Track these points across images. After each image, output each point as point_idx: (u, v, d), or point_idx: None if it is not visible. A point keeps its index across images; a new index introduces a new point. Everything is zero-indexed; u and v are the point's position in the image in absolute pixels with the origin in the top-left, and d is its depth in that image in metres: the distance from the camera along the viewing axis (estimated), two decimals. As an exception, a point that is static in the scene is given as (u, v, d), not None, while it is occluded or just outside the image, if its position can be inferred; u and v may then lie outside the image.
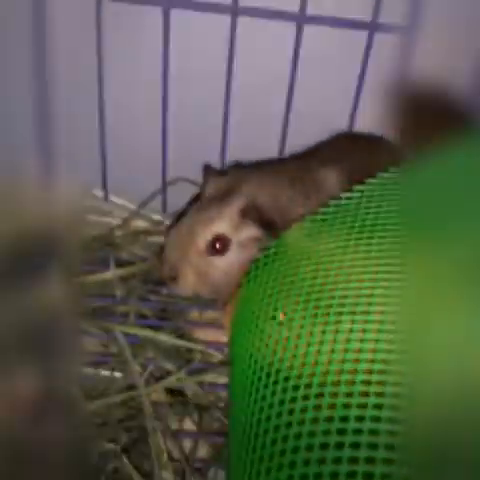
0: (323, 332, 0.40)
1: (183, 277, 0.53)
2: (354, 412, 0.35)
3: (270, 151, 0.69)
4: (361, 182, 0.49)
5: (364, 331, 0.39)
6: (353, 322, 0.40)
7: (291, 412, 0.37)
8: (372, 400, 0.35)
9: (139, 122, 0.69)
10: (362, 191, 0.48)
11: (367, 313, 0.40)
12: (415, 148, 0.50)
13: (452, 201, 0.46)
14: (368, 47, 0.62)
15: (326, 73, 0.65)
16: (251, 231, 0.52)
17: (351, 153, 0.59)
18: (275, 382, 0.40)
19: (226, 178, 0.55)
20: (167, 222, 0.73)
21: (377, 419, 0.34)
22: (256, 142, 0.66)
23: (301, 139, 0.66)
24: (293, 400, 0.37)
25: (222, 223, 0.52)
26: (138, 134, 0.70)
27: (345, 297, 0.41)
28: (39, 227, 0.51)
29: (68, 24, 0.61)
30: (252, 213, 0.52)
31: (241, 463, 0.39)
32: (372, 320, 0.39)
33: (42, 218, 0.52)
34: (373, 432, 0.34)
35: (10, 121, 0.65)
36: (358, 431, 0.34)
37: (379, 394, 0.35)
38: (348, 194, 0.48)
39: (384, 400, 0.35)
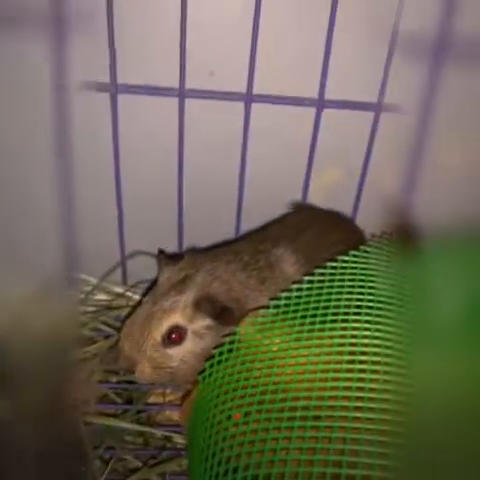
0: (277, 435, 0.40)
1: (139, 370, 0.52)
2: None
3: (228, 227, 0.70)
4: (318, 262, 0.50)
5: (317, 429, 0.40)
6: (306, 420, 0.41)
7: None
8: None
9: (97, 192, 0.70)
10: (312, 280, 0.49)
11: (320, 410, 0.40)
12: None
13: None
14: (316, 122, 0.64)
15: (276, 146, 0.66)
16: (206, 321, 0.52)
17: (305, 231, 0.60)
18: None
19: (180, 266, 0.55)
20: (129, 293, 0.73)
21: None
22: (212, 222, 0.67)
23: (258, 214, 0.68)
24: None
25: (177, 314, 0.52)
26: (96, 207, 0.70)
27: (298, 397, 0.42)
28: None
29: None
30: (205, 304, 0.52)
31: None
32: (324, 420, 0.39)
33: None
34: None
35: None
36: None
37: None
38: (299, 284, 0.48)
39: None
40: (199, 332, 0.53)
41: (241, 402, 0.44)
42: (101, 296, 0.73)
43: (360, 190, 0.67)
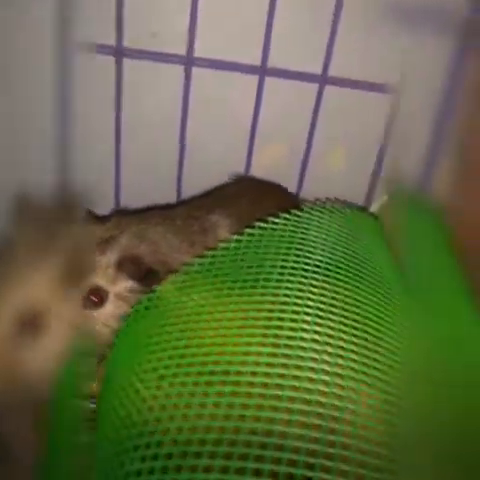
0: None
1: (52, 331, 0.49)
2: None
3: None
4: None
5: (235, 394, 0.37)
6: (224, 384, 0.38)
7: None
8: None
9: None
10: (239, 240, 0.47)
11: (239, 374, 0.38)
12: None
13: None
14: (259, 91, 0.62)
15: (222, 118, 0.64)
16: (129, 283, 0.50)
17: (239, 199, 0.58)
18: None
19: (106, 226, 0.53)
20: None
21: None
22: (151, 188, 0.65)
23: (199, 183, 0.65)
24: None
25: (98, 275, 0.49)
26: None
27: (212, 356, 0.39)
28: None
29: None
30: (129, 265, 0.49)
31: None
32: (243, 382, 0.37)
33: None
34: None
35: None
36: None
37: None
38: (224, 244, 0.46)
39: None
40: (121, 295, 0.50)
41: (156, 364, 0.41)
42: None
43: (304, 166, 0.66)
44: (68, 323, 0.49)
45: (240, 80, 0.61)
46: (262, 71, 0.60)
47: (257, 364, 0.38)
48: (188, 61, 0.59)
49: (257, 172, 0.66)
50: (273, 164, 0.66)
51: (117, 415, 0.41)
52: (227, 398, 0.36)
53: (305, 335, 0.39)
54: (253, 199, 0.58)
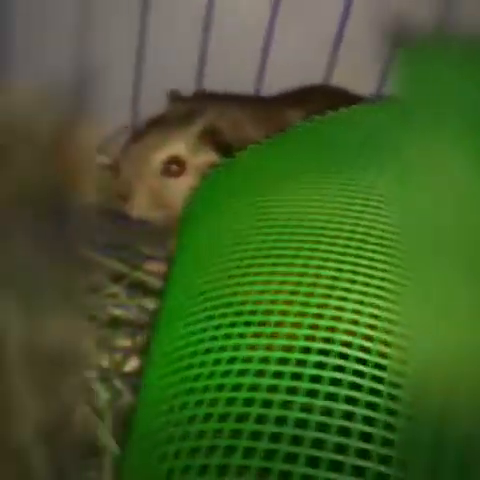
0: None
1: (136, 196, 0.52)
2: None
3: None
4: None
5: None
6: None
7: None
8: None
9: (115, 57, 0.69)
10: (321, 122, 0.48)
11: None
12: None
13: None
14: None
15: (306, 23, 0.65)
16: (208, 156, 0.52)
17: (320, 100, 0.59)
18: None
19: (189, 102, 0.54)
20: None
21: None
22: (230, 85, 0.66)
23: (275, 88, 0.66)
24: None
25: (179, 144, 0.51)
26: (113, 70, 0.69)
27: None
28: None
29: None
30: (211, 137, 0.51)
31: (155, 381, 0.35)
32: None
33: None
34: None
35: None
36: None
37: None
38: (305, 124, 0.47)
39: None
40: (200, 167, 0.52)
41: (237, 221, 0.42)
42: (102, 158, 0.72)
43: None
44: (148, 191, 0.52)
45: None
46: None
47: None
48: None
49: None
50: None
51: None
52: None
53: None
54: (329, 102, 0.59)
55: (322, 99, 0.59)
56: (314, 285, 0.32)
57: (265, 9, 0.63)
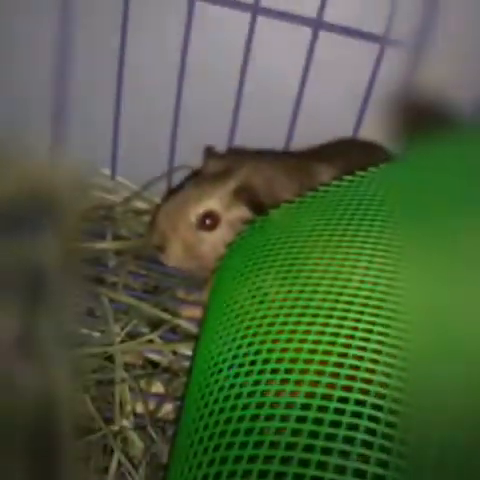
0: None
1: (171, 247, 0.55)
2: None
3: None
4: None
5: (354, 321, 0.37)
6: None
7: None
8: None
9: (154, 108, 0.73)
10: (352, 181, 0.50)
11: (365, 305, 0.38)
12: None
13: (445, 190, 0.46)
14: (378, 59, 0.65)
15: (335, 80, 0.68)
16: (241, 211, 0.55)
17: (348, 154, 0.62)
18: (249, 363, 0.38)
19: (225, 159, 0.57)
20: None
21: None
22: (262, 141, 0.69)
23: (304, 143, 0.69)
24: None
25: (214, 200, 0.54)
26: (151, 120, 0.73)
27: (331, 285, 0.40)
28: (42, 188, 0.53)
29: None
30: (244, 195, 0.54)
31: (190, 431, 0.37)
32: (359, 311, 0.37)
33: (46, 181, 0.54)
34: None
35: (27, 89, 0.69)
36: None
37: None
38: (338, 182, 0.50)
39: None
40: (233, 222, 0.55)
41: (265, 277, 0.45)
42: (141, 204, 0.75)
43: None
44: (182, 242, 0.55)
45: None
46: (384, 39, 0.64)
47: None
48: (317, 24, 0.64)
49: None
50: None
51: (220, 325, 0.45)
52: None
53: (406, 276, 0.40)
54: (358, 156, 0.62)
55: (352, 154, 0.62)
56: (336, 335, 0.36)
57: (298, 65, 0.67)
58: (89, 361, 0.51)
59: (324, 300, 0.39)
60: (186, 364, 0.55)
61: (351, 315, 0.37)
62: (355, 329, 0.36)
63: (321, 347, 0.36)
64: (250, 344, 0.39)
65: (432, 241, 0.42)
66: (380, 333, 0.36)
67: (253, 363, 0.38)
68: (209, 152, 0.60)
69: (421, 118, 0.64)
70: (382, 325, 0.36)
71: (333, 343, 0.36)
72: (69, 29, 0.66)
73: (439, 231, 0.43)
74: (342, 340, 0.35)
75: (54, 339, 0.49)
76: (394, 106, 0.67)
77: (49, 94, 0.68)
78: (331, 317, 0.37)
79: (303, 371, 0.35)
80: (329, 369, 0.34)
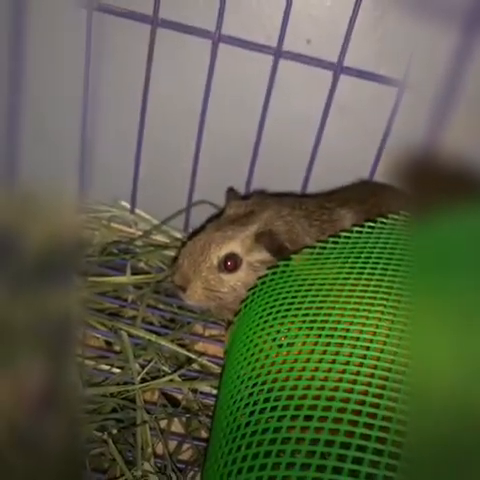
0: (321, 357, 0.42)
1: (192, 288, 0.56)
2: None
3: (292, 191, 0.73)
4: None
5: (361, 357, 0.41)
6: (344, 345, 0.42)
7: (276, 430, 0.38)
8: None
9: (174, 144, 0.74)
10: (373, 227, 0.52)
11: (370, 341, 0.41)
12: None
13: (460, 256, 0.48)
14: (396, 104, 0.66)
15: (354, 123, 0.69)
16: (262, 255, 0.56)
17: (368, 198, 0.63)
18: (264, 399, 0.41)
19: (247, 202, 0.59)
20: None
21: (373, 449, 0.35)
22: (280, 182, 0.71)
23: (322, 185, 0.71)
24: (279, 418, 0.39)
25: (236, 243, 0.55)
26: (171, 154, 0.75)
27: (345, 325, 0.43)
28: (66, 234, 0.54)
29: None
30: (266, 239, 0.55)
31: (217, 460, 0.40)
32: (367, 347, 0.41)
33: (70, 226, 0.56)
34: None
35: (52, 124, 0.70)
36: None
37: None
38: (358, 229, 0.51)
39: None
40: (253, 264, 0.56)
41: (286, 322, 0.46)
42: (161, 237, 0.77)
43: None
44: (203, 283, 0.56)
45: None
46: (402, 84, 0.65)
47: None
48: (337, 68, 0.65)
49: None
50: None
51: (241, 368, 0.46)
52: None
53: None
54: (379, 200, 0.63)
55: (372, 198, 0.63)
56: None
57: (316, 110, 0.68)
58: (109, 400, 0.52)
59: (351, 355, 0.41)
60: (204, 402, 0.56)
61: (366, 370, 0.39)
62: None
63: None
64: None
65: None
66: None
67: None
68: (231, 194, 0.61)
69: (440, 185, 0.65)
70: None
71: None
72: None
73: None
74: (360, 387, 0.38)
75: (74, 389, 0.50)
76: (412, 159, 0.68)
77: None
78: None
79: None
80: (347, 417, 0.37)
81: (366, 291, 0.45)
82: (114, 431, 0.50)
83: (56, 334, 0.46)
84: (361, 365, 0.40)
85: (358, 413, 0.37)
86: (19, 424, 0.40)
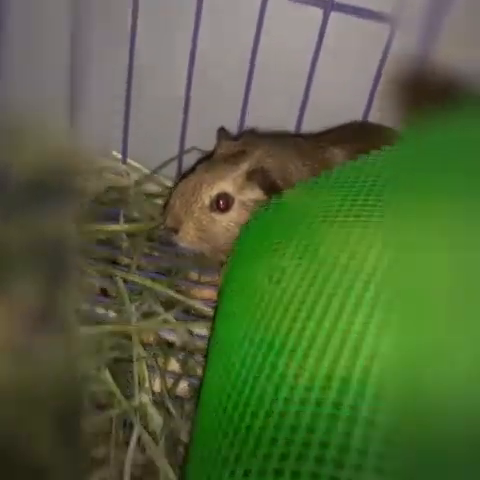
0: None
1: (184, 229, 0.55)
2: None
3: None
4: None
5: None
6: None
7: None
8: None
9: (164, 91, 0.73)
10: (364, 161, 0.51)
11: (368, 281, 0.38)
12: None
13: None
14: (389, 40, 0.65)
15: (346, 62, 0.68)
16: (254, 193, 0.55)
17: (361, 137, 0.62)
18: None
19: (238, 141, 0.58)
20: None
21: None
22: (272, 122, 0.69)
23: (315, 125, 0.70)
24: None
25: (227, 182, 0.55)
26: (162, 103, 0.74)
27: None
28: (57, 163, 0.54)
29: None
30: (258, 176, 0.54)
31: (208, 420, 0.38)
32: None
33: (61, 156, 0.55)
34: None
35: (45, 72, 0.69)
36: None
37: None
38: (351, 162, 0.51)
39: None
40: (246, 203, 0.55)
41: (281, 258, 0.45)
42: (153, 186, 0.76)
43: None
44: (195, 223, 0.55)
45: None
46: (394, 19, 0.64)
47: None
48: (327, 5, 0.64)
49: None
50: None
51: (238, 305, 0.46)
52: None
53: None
54: (373, 140, 0.62)
55: (364, 137, 0.62)
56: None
57: (308, 48, 0.67)
58: (107, 339, 0.52)
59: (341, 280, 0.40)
60: (200, 344, 0.56)
61: (368, 294, 0.37)
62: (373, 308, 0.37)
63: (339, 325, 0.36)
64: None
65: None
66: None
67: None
68: (222, 133, 0.61)
69: (433, 99, 0.64)
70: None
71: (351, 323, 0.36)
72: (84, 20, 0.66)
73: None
74: (360, 318, 0.36)
75: (72, 314, 0.50)
76: (405, 87, 0.67)
77: (65, 78, 0.69)
78: (349, 297, 0.38)
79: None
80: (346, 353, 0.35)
81: (359, 216, 0.44)
82: (111, 368, 0.50)
83: (52, 255, 0.45)
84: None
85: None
86: (15, 344, 0.40)
